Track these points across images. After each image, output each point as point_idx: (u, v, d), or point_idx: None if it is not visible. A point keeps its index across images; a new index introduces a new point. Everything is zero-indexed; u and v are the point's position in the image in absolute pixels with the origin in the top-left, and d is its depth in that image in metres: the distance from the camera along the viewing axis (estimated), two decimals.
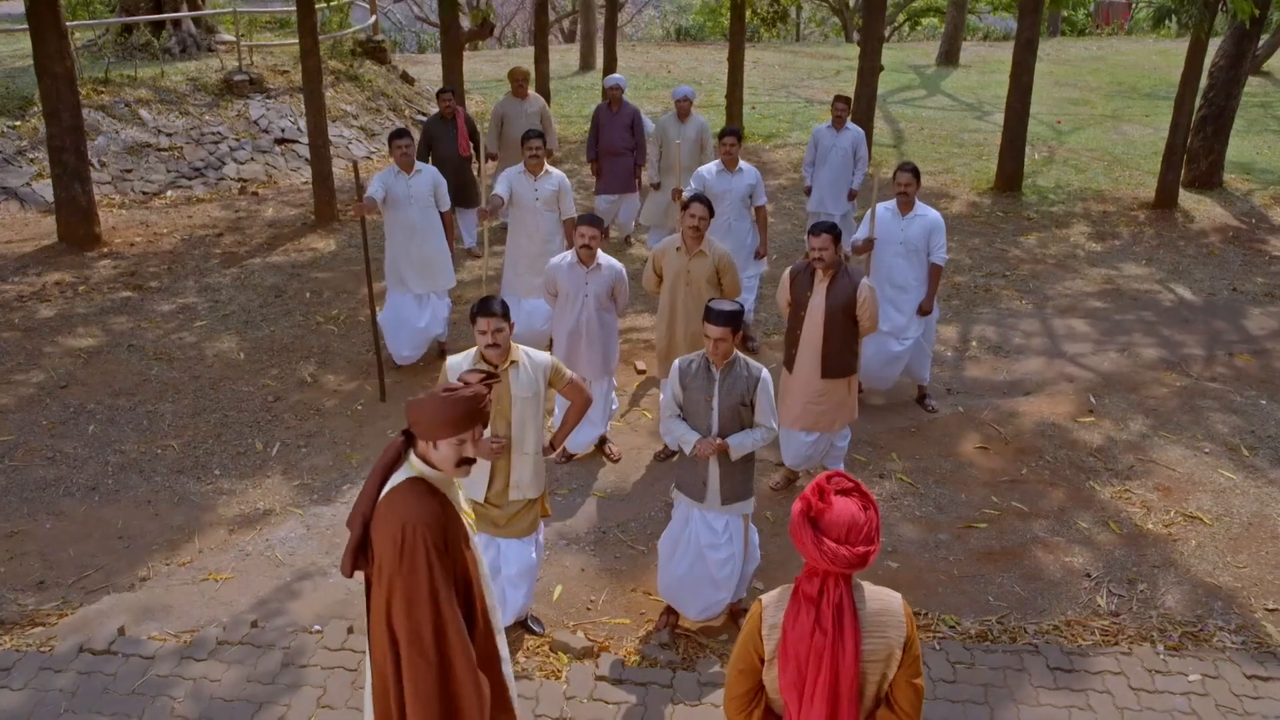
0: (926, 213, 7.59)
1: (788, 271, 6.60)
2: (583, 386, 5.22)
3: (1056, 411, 8.09)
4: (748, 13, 18.26)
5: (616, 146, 11.25)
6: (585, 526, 6.49)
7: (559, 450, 5.66)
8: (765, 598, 3.03)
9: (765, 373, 5.11)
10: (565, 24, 40.39)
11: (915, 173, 7.54)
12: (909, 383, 8.26)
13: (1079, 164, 16.11)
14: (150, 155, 13.50)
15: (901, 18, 38.81)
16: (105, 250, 11.00)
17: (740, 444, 5.06)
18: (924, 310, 7.68)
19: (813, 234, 6.23)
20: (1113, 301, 10.61)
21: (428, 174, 8.12)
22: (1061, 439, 7.67)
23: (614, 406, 7.29)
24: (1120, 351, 9.28)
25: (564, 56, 26.44)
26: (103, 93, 13.90)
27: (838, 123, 10.58)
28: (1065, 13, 33.96)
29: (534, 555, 5.23)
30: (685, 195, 6.86)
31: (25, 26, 10.64)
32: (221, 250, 11.34)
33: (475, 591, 3.55)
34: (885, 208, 7.64)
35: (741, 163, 8.60)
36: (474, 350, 4.98)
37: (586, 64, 24.52)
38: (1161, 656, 5.34)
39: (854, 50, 28.28)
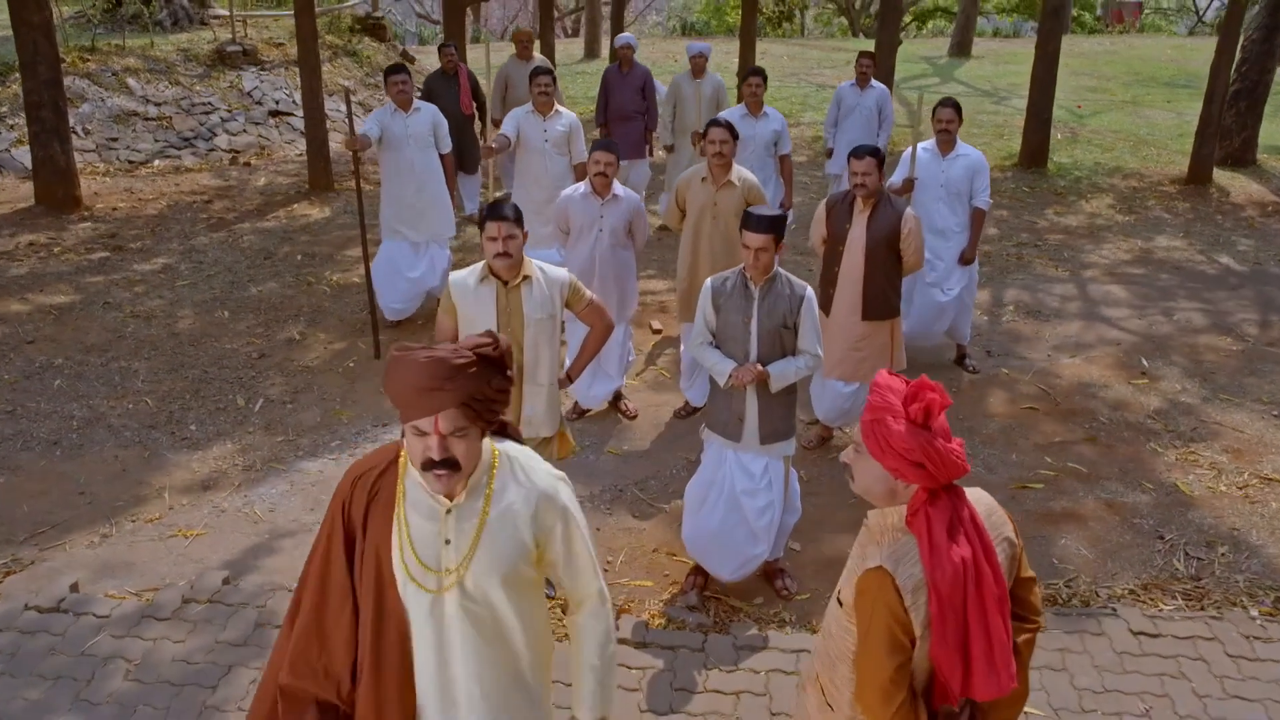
0: (969, 152, 6.97)
1: (823, 203, 5.98)
2: (604, 310, 4.60)
3: (1104, 374, 7.46)
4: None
5: (627, 110, 10.59)
6: (600, 485, 5.84)
7: (573, 406, 5.03)
8: (884, 563, 2.42)
9: (809, 290, 4.48)
10: (568, 23, 39.89)
11: (957, 108, 6.92)
12: (948, 345, 7.63)
13: (1104, 144, 15.49)
14: (137, 124, 12.88)
15: (909, 18, 38.32)
16: (85, 214, 10.36)
17: (782, 372, 4.42)
18: (966, 259, 7.06)
19: (855, 157, 5.61)
20: (1152, 269, 9.99)
21: (426, 112, 7.50)
22: (1114, 401, 7.03)
23: (631, 358, 6.65)
24: (1166, 316, 8.66)
25: (568, 47, 25.90)
26: (88, 60, 13.28)
27: (862, 80, 9.97)
28: (1075, 11, 33.46)
29: None
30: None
31: None
32: (209, 215, 10.71)
33: (386, 608, 2.47)
34: (924, 148, 7.03)
35: (767, 107, 7.99)
36: (480, 264, 4.36)
37: (591, 52, 24.00)
38: (1259, 622, 4.70)
39: (863, 44, 27.77)
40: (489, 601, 2.48)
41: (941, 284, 7.10)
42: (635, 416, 6.63)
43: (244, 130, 13.59)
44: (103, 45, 13.78)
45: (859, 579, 2.45)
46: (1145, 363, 7.65)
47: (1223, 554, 5.29)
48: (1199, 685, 4.27)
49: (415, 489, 2.45)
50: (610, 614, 2.71)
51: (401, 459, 2.50)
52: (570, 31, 39.14)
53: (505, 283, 4.29)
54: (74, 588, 4.67)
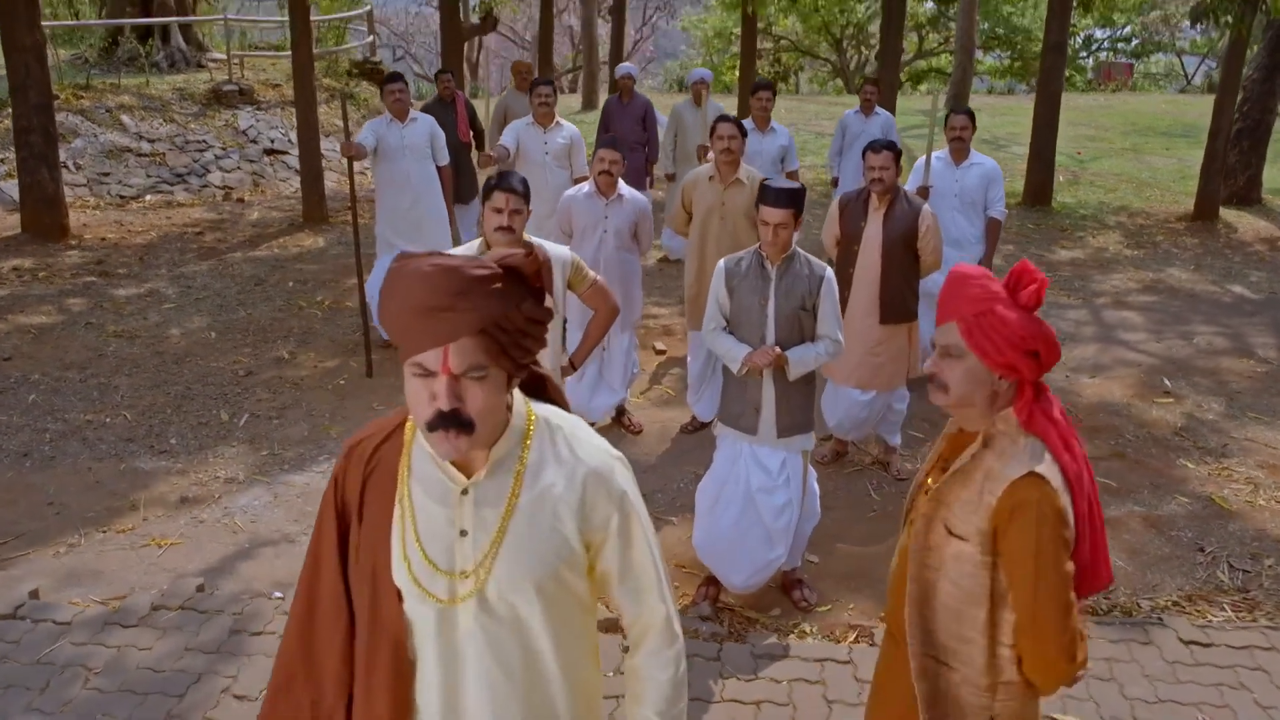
0: (983, 161, 6.76)
1: (835, 201, 5.72)
2: (609, 292, 4.31)
3: (1126, 393, 7.17)
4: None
5: (627, 140, 10.35)
6: None
7: (579, 371, 4.73)
8: (1036, 468, 2.15)
9: (829, 271, 4.19)
10: (564, 81, 40.19)
11: (971, 116, 6.73)
12: None
13: (1107, 185, 15.38)
14: (130, 159, 12.70)
15: (904, 76, 38.64)
16: (72, 243, 10.11)
17: (801, 358, 4.12)
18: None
19: (871, 151, 5.37)
20: (1164, 296, 9.75)
21: (423, 123, 7.28)
22: (1138, 419, 6.73)
23: (635, 370, 6.34)
24: (1185, 339, 8.39)
25: (565, 100, 25.98)
26: (82, 97, 13.15)
27: (866, 107, 9.80)
28: (1068, 72, 33.72)
29: None
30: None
31: None
32: (199, 246, 10.46)
33: (380, 622, 1.92)
34: (938, 157, 6.81)
35: (774, 123, 7.79)
36: (476, 241, 4.08)
37: (589, 103, 24.02)
38: None
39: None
40: (517, 619, 1.87)
41: None
42: (639, 431, 6.30)
43: (238, 167, 13.41)
44: (98, 83, 13.68)
45: (1011, 492, 2.14)
46: (1168, 383, 7.36)
47: (1270, 565, 4.95)
48: (1261, 695, 3.91)
49: (425, 461, 1.89)
50: (682, 657, 2.05)
51: (409, 424, 1.95)
52: (569, 89, 39.45)
53: None
54: (34, 594, 4.31)
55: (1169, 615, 4.51)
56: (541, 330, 1.80)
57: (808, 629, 4.38)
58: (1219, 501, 5.59)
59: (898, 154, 5.37)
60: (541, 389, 2.05)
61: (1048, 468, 2.14)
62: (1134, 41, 40.40)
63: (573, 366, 4.37)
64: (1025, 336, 2.14)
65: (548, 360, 4.10)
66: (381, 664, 1.89)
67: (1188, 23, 38.14)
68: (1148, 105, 26.41)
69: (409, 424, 1.93)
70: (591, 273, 4.23)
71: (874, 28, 34.48)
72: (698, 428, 6.28)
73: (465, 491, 1.83)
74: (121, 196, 12.16)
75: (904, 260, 5.45)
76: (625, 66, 10.65)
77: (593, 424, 6.31)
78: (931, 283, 6.33)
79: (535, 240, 4.11)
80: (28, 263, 9.32)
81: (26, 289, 8.63)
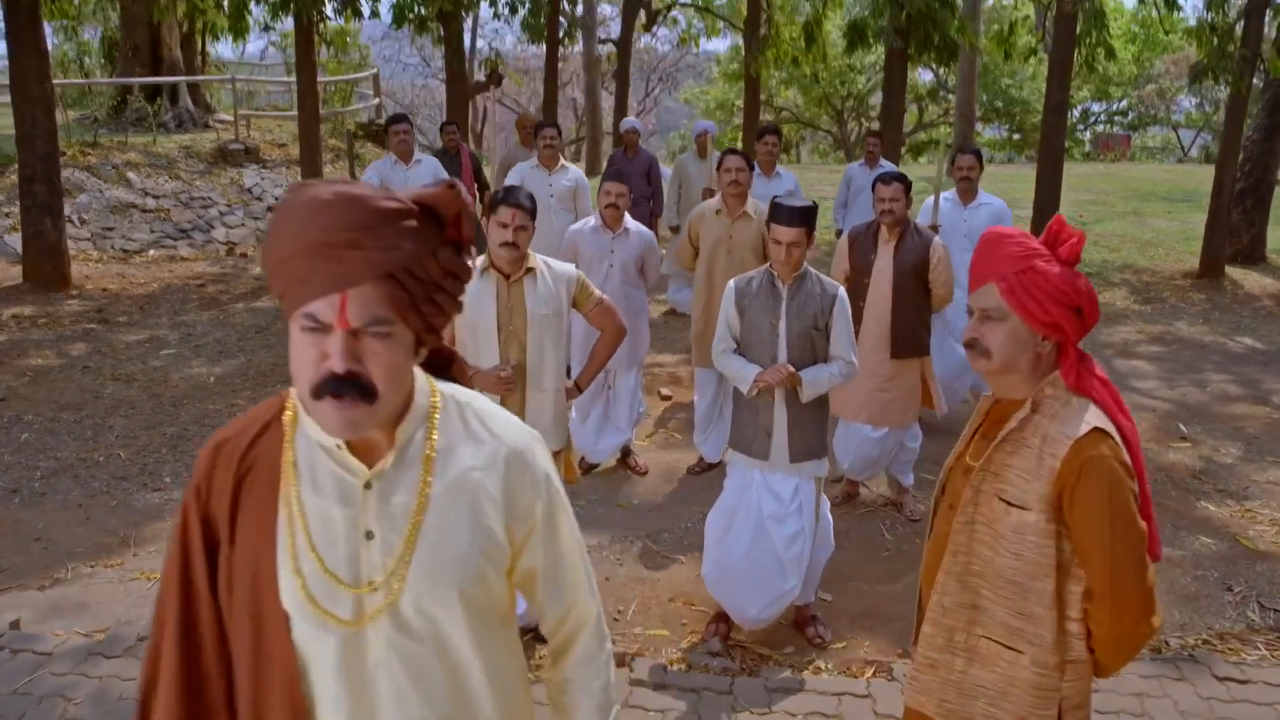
0: (991, 201, 6.72)
1: (844, 235, 5.64)
2: (615, 311, 4.20)
3: (1141, 437, 7.00)
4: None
5: (633, 194, 10.40)
6: (609, 536, 5.34)
7: (579, 461, 4.58)
8: (1096, 426, 2.08)
9: (842, 290, 4.09)
10: (569, 151, 40.66)
11: (978, 155, 6.70)
12: (971, 403, 7.21)
13: (1111, 245, 15.36)
14: (134, 215, 12.72)
15: (904, 148, 39.08)
16: (73, 293, 10.05)
17: (815, 379, 4.00)
18: None
19: (881, 182, 5.31)
20: (1175, 347, 9.64)
21: (428, 165, 7.26)
22: (1155, 462, 6.57)
23: (641, 410, 6.21)
24: (1199, 387, 8.26)
25: None
26: (90, 154, 13.22)
27: (870, 159, 9.82)
28: (1066, 144, 34.11)
29: None
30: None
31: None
32: (201, 297, 10.41)
33: (266, 656, 1.55)
34: (945, 197, 6.75)
35: (780, 168, 7.77)
36: (480, 258, 3.99)
37: (593, 170, 24.20)
38: None
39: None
40: (440, 638, 1.57)
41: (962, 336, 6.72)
42: (645, 473, 6.15)
43: (242, 224, 13.43)
44: (105, 141, 13.77)
45: (1077, 451, 2.04)
46: (1183, 428, 7.22)
47: None
48: None
49: (314, 453, 1.55)
50: (611, 662, 1.82)
51: (289, 410, 1.59)
52: (572, 158, 39.88)
53: (507, 276, 3.91)
54: (14, 625, 4.13)
55: (1200, 652, 4.32)
56: (458, 288, 1.52)
57: (823, 665, 4.19)
58: (1244, 542, 5.42)
59: (908, 186, 5.31)
60: (446, 368, 1.74)
61: (1107, 425, 2.06)
62: (1130, 115, 40.92)
63: (578, 388, 4.24)
64: (1069, 292, 2.08)
65: (551, 380, 3.98)
66: (272, 712, 1.54)
67: (1183, 96, 38.70)
68: (1147, 173, 26.59)
69: (289, 409, 1.58)
70: (597, 292, 4.13)
71: (875, 99, 34.91)
72: (705, 469, 6.13)
73: (369, 485, 1.52)
74: (125, 250, 12.14)
75: (915, 292, 5.36)
76: (630, 121, 10.69)
77: (597, 465, 6.16)
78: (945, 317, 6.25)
79: (539, 257, 4.02)
80: (28, 310, 9.25)
81: (25, 334, 8.54)
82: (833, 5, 15.65)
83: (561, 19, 14.47)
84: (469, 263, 1.54)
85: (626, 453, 6.22)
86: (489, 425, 1.64)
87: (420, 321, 1.47)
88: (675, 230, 10.04)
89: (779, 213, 3.97)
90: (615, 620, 4.54)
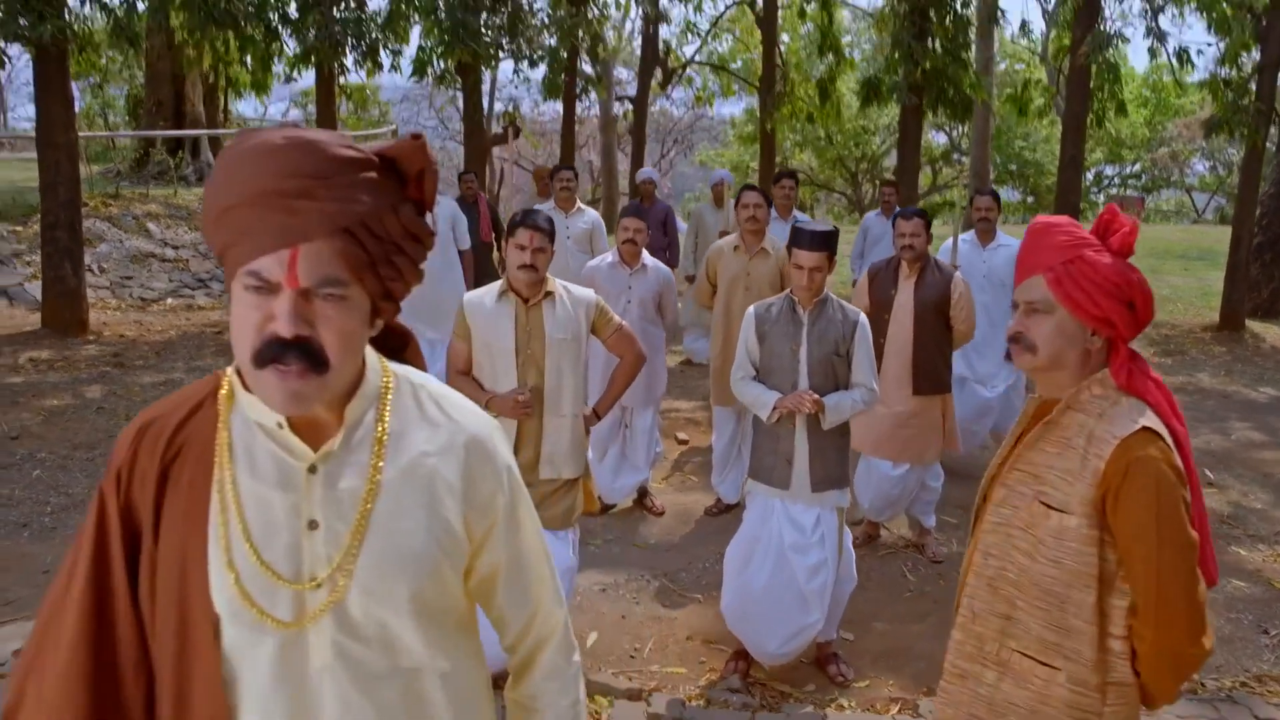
0: (1010, 242, 6.67)
1: (865, 272, 5.60)
2: (634, 338, 4.16)
3: None
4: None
5: (649, 245, 10.42)
6: (625, 574, 5.24)
7: (603, 451, 4.51)
8: (1146, 425, 1.97)
9: (863, 317, 4.04)
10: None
11: (996, 197, 6.67)
12: (991, 446, 7.11)
13: None
14: (153, 264, 12.81)
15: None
16: (91, 338, 10.07)
17: (837, 405, 3.93)
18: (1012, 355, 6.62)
19: (902, 218, 5.28)
20: (1197, 397, 9.52)
21: (445, 205, 7.27)
22: None
23: (659, 449, 6.13)
24: (1222, 435, 8.14)
25: None
26: (111, 205, 13.37)
27: (886, 209, 9.81)
28: (1080, 205, 34.21)
29: (570, 556, 3.99)
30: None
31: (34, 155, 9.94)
32: (218, 343, 10.42)
33: (192, 664, 1.36)
34: (964, 239, 6.72)
35: (797, 212, 7.76)
36: (498, 282, 3.96)
37: (608, 228, 24.31)
38: None
39: None
40: (390, 642, 1.41)
41: (986, 380, 6.65)
42: (662, 513, 6.05)
43: None
44: (127, 193, 13.93)
45: (1124, 451, 1.93)
46: (1209, 474, 7.09)
47: None
48: None
49: (252, 435, 1.39)
50: (581, 678, 1.66)
51: (224, 387, 1.42)
52: None
53: (525, 300, 3.88)
54: (17, 654, 4.04)
55: (1239, 694, 4.18)
56: (419, 252, 1.38)
57: (846, 703, 4.07)
58: (1278, 586, 5.28)
59: (928, 221, 5.29)
60: (400, 350, 1.59)
61: (1158, 425, 1.95)
62: (1143, 178, 41.08)
63: (596, 415, 4.18)
64: (1120, 284, 1.98)
65: (569, 406, 3.92)
66: None
67: (1196, 159, 38.85)
68: (1162, 233, 26.62)
69: (225, 386, 1.42)
70: (616, 318, 4.09)
71: (889, 161, 35.16)
72: (722, 510, 6.03)
73: (313, 469, 1.37)
74: (143, 299, 12.20)
75: (937, 328, 5.30)
76: (646, 171, 10.75)
77: (614, 505, 6.07)
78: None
79: (558, 282, 3.98)
80: (45, 354, 9.26)
81: (42, 377, 8.54)
82: (847, 64, 15.79)
83: (580, 78, 14.64)
84: (430, 226, 1.41)
85: (643, 493, 6.13)
86: (445, 409, 1.49)
87: (377, 285, 1.33)
88: (692, 280, 10.04)
89: (800, 237, 3.94)
90: (631, 658, 4.43)
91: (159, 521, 1.37)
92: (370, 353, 1.45)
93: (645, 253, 5.74)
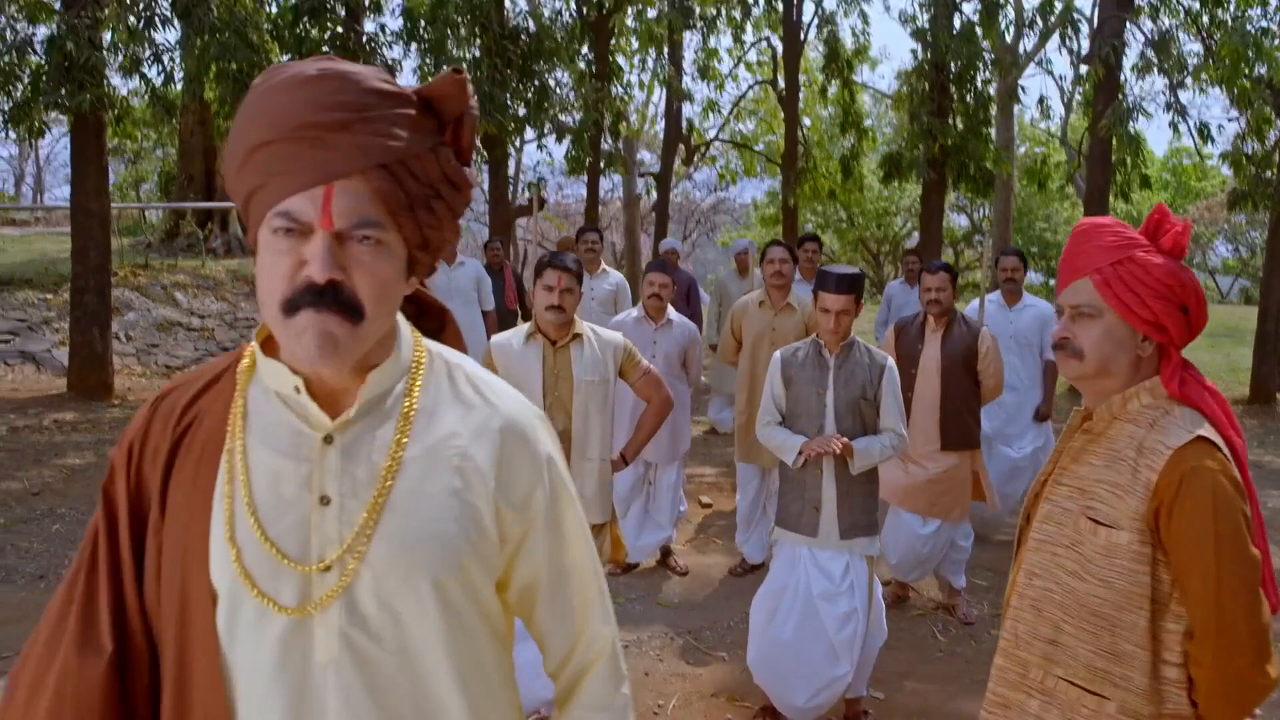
0: (1036, 303, 6.64)
1: (890, 328, 5.57)
2: (662, 382, 4.13)
3: None
4: None
5: None
6: (648, 632, 5.12)
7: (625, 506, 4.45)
8: (1204, 435, 1.88)
9: (891, 361, 4.00)
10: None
11: (1021, 257, 6.66)
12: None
13: None
14: (179, 333, 12.92)
15: None
16: (115, 402, 10.12)
17: (866, 449, 3.86)
18: (1042, 415, 6.55)
19: (928, 273, 5.27)
20: None
21: (470, 266, 7.33)
22: None
23: (683, 508, 6.04)
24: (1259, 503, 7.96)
25: None
26: (140, 275, 13.55)
27: (910, 277, 9.79)
28: None
29: None
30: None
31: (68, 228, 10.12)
32: None
33: (190, 651, 1.27)
34: (990, 299, 6.70)
35: None
36: (525, 325, 3.95)
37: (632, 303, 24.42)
38: None
39: None
40: (404, 640, 1.27)
41: (1015, 442, 6.56)
42: (685, 573, 5.94)
43: None
44: (156, 263, 14.13)
45: (1178, 461, 1.82)
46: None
47: None
48: None
49: (269, 402, 1.30)
50: (630, 713, 1.48)
51: (246, 358, 1.35)
52: None
53: (553, 342, 3.86)
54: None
55: None
56: (460, 203, 1.28)
57: None
58: None
59: (954, 275, 5.26)
60: (438, 332, 1.49)
61: (1215, 436, 1.85)
62: None
63: (624, 460, 4.12)
64: (1174, 285, 1.89)
65: (596, 449, 3.87)
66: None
67: (1219, 242, 38.86)
68: None
69: (247, 358, 1.35)
70: (644, 361, 4.06)
71: (911, 243, 35.32)
72: (747, 570, 5.92)
73: (329, 439, 1.26)
74: (168, 366, 12.28)
75: (965, 383, 5.24)
76: (669, 241, 10.83)
77: (637, 564, 5.97)
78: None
79: (586, 325, 3.97)
80: (69, 416, 9.30)
81: (65, 437, 8.57)
82: (869, 141, 15.96)
83: (602, 157, 14.87)
84: (470, 178, 1.31)
85: (666, 552, 6.03)
86: (482, 390, 1.37)
87: (415, 231, 1.24)
88: (714, 349, 10.02)
89: (827, 280, 3.92)
90: (655, 714, 4.31)
91: (165, 496, 1.29)
92: (404, 325, 1.37)
93: (670, 308, 5.73)
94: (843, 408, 3.91)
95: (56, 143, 31.86)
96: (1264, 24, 11.28)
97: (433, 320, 1.49)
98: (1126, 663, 1.89)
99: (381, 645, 1.25)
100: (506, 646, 1.41)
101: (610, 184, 27.18)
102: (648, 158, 30.51)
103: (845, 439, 3.81)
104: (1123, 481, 1.90)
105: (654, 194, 17.47)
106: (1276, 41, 11.12)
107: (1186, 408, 1.91)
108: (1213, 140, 12.13)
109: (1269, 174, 11.34)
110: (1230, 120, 15.52)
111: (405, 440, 1.29)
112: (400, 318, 1.36)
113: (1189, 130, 11.51)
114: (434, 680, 1.28)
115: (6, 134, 9.54)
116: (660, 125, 18.94)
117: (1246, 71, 10.57)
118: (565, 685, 1.45)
